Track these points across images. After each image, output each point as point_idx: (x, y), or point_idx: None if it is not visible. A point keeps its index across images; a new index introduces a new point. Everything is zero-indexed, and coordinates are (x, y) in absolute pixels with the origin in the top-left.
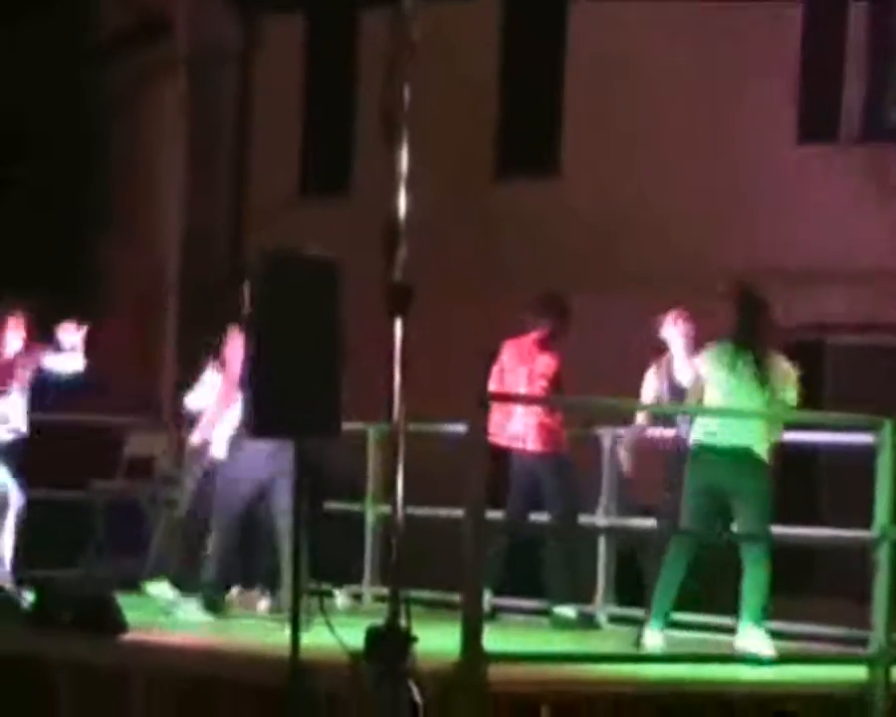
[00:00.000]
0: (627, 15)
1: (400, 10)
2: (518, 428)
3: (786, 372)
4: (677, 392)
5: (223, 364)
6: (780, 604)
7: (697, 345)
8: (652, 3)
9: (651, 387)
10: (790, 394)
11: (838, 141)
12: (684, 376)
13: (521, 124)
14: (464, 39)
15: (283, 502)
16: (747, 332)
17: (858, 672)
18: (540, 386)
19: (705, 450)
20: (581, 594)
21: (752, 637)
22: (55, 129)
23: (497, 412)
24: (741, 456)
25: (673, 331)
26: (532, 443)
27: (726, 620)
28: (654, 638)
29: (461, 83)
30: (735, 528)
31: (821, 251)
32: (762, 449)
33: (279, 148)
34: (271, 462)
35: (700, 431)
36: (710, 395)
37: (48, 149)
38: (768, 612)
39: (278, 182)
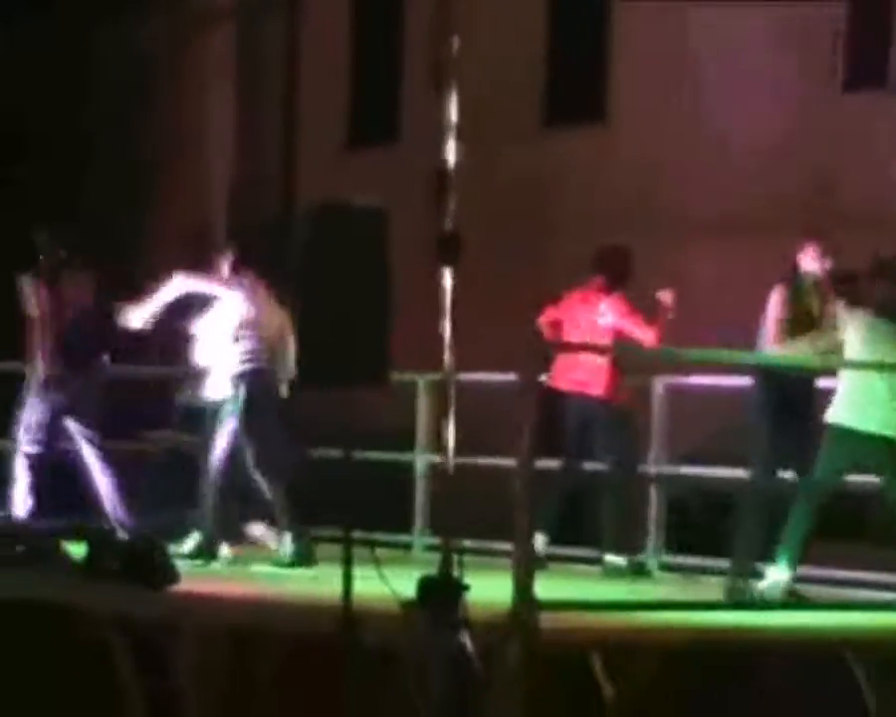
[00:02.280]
0: None
1: None
2: (580, 375)
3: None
4: None
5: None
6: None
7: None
8: None
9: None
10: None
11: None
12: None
13: (569, 73)
14: None
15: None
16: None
17: None
18: (601, 336)
19: (849, 433)
20: (633, 542)
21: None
22: (105, 80)
23: (560, 359)
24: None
25: (813, 264)
26: (594, 389)
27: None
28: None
29: (510, 31)
30: None
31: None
32: None
33: (327, 98)
34: None
35: (843, 407)
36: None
37: (99, 99)
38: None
39: (326, 132)
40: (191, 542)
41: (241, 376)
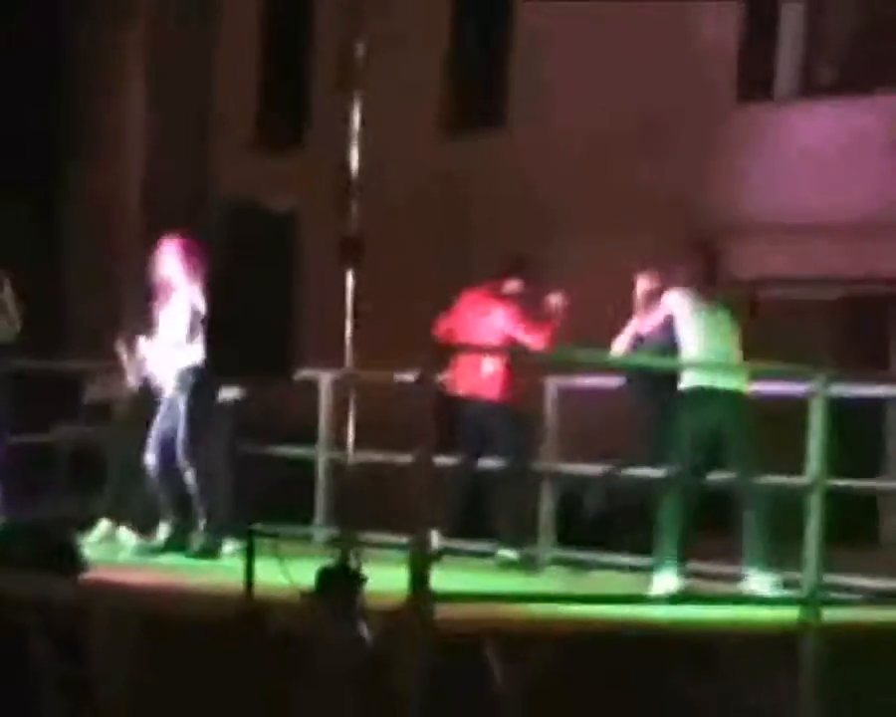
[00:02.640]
0: None
1: None
2: (475, 379)
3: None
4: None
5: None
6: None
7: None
8: None
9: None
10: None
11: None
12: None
13: (470, 80)
14: None
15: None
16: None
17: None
18: (496, 338)
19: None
20: (524, 537)
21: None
22: (25, 70)
23: (456, 364)
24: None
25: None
26: (488, 392)
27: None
28: (666, 581)
29: (413, 36)
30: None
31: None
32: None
33: (237, 100)
34: None
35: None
36: (686, 337)
37: (19, 88)
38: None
39: (237, 129)
40: (197, 542)
41: (194, 371)
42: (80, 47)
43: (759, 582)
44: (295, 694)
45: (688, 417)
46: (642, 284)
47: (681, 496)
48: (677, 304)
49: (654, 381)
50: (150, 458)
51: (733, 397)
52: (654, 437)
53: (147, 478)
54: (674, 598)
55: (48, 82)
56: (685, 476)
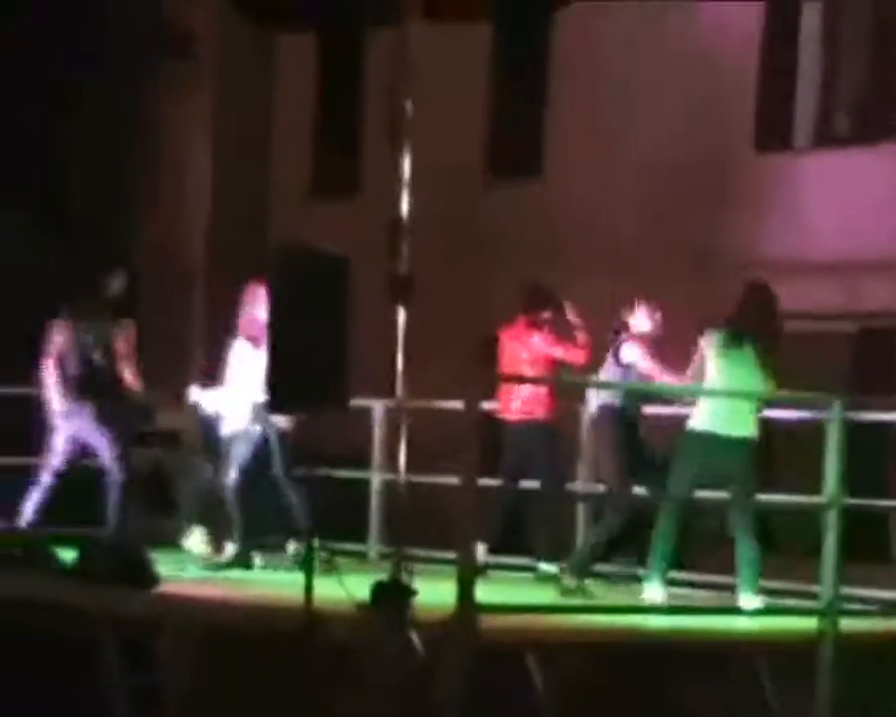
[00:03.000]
0: (603, 39)
1: (403, 31)
2: (519, 403)
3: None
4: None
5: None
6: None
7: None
8: (629, 22)
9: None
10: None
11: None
12: (629, 355)
13: (509, 134)
14: (460, 57)
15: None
16: (748, 321)
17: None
18: (533, 367)
19: (704, 434)
20: (563, 552)
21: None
22: (97, 128)
23: (502, 390)
24: (738, 444)
25: (644, 319)
26: (527, 413)
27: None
28: (654, 593)
29: (457, 95)
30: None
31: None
32: (753, 432)
33: (295, 151)
34: None
35: (699, 414)
36: (710, 377)
37: (92, 144)
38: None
39: (294, 181)
40: (228, 552)
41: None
42: (151, 108)
43: (748, 601)
44: (348, 702)
45: (693, 457)
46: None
47: (675, 516)
48: (707, 344)
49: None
50: (229, 480)
51: (739, 444)
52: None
53: (216, 499)
54: (701, 610)
55: (123, 141)
56: (681, 501)
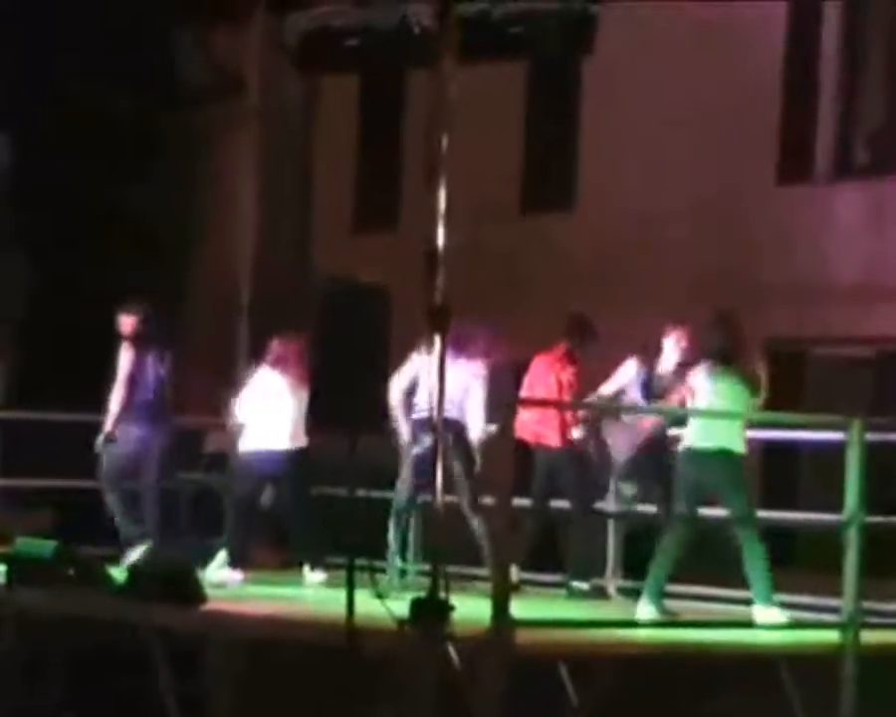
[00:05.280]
0: (632, 77)
1: (440, 71)
2: (542, 428)
3: (757, 376)
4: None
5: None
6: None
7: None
8: (657, 62)
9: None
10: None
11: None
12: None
13: (542, 170)
14: (494, 95)
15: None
16: (725, 351)
17: (834, 636)
18: (563, 394)
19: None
20: (594, 569)
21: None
22: (150, 165)
23: (526, 414)
24: (723, 456)
25: (673, 344)
26: (554, 440)
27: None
28: (646, 610)
29: (492, 132)
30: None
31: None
32: (740, 446)
33: (338, 187)
34: None
35: (691, 435)
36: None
37: (145, 181)
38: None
39: (337, 216)
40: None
41: None
42: (201, 148)
43: (764, 614)
44: (389, 713)
45: (685, 472)
46: (673, 339)
47: (681, 536)
48: (697, 376)
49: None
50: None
51: (725, 455)
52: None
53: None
54: (729, 624)
55: (176, 179)
56: (684, 519)
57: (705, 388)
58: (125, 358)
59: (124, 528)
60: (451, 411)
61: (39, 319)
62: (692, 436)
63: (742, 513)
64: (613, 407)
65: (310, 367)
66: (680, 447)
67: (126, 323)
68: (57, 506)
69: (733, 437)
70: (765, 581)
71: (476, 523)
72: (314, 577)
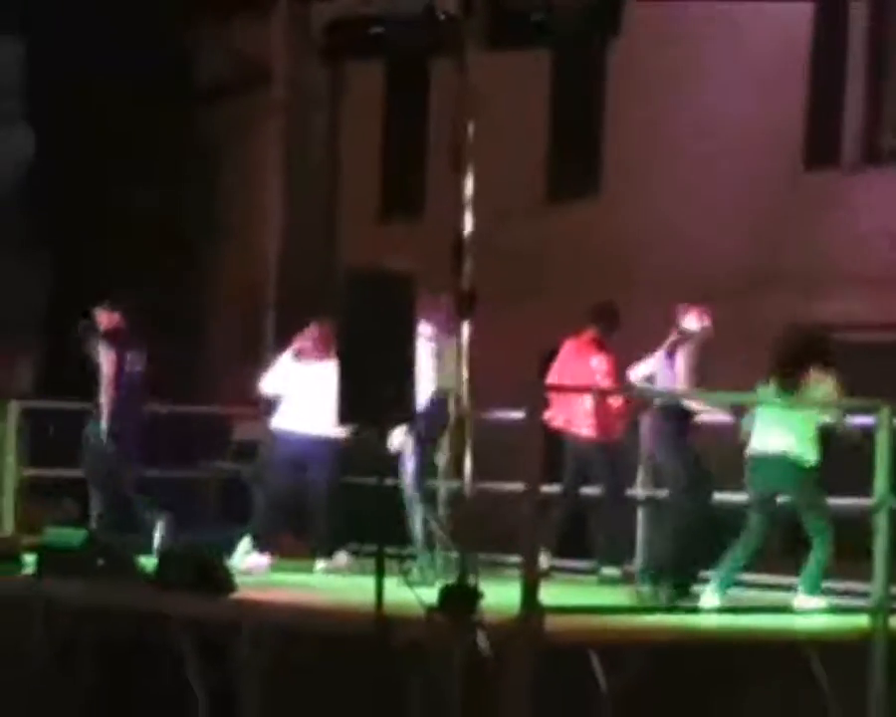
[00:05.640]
0: (655, 65)
1: (465, 59)
2: (573, 415)
3: (822, 384)
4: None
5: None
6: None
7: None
8: (680, 49)
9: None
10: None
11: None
12: (687, 363)
13: (567, 155)
14: (519, 82)
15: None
16: (789, 370)
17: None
18: (594, 380)
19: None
20: (624, 555)
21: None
22: (175, 159)
23: (556, 401)
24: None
25: (695, 323)
26: (585, 429)
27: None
28: (712, 600)
29: (517, 120)
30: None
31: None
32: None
33: (363, 177)
34: None
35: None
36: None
37: (170, 175)
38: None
39: (363, 205)
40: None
41: None
42: (226, 140)
43: (803, 601)
44: (418, 702)
45: (753, 476)
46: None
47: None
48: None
49: None
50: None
51: (793, 461)
52: None
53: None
54: (757, 609)
55: (202, 172)
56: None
57: (771, 397)
58: (106, 356)
59: (140, 516)
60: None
61: (64, 314)
62: (759, 442)
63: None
64: (648, 392)
65: (337, 354)
66: (747, 453)
67: (105, 319)
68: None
69: (804, 444)
70: (818, 572)
71: (419, 507)
72: (332, 563)
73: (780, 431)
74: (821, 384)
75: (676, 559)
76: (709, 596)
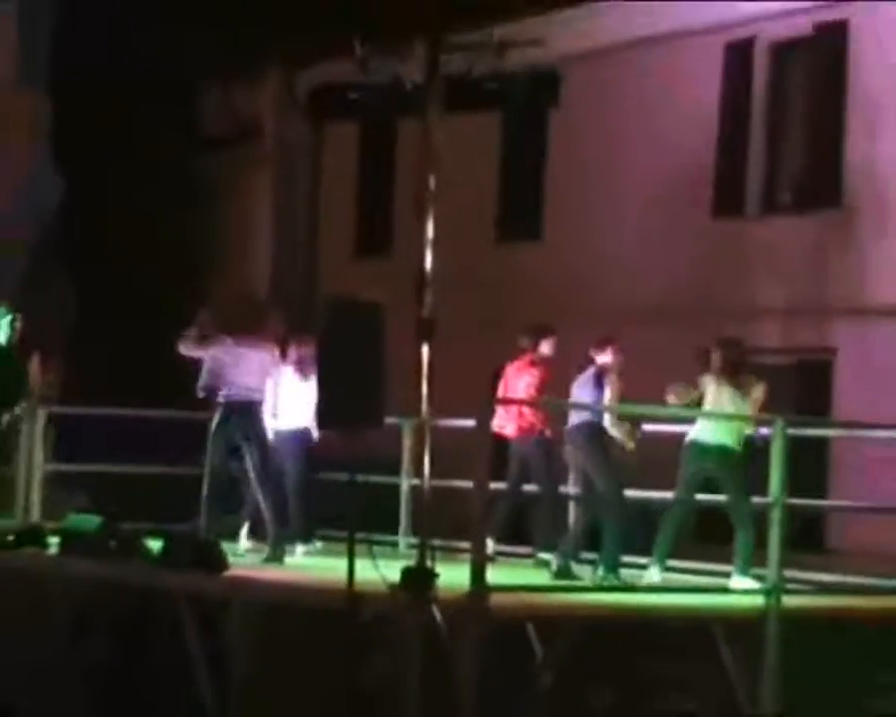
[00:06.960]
0: (592, 128)
1: (428, 120)
2: (513, 422)
3: (758, 387)
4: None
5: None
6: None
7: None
8: (614, 115)
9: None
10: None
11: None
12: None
13: (515, 205)
14: (474, 141)
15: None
16: (727, 369)
17: (758, 600)
18: (529, 394)
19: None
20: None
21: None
22: (171, 207)
23: (501, 411)
24: (727, 452)
25: (609, 357)
26: (523, 432)
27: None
28: (654, 576)
29: (471, 173)
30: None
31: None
32: (739, 445)
33: (340, 219)
34: None
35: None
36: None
37: (177, 212)
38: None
39: (339, 244)
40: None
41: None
42: (224, 185)
43: (737, 582)
44: (381, 665)
45: (686, 461)
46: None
47: (678, 515)
48: (707, 382)
49: None
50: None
51: (722, 450)
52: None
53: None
54: (671, 588)
55: (203, 214)
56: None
57: (712, 394)
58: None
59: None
60: (255, 395)
61: (87, 330)
62: (698, 432)
63: (736, 500)
64: (565, 404)
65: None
66: (686, 439)
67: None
68: (100, 487)
69: (731, 435)
70: (746, 555)
71: (260, 496)
72: (303, 549)
73: (719, 424)
74: (758, 387)
75: (608, 544)
76: (652, 572)
